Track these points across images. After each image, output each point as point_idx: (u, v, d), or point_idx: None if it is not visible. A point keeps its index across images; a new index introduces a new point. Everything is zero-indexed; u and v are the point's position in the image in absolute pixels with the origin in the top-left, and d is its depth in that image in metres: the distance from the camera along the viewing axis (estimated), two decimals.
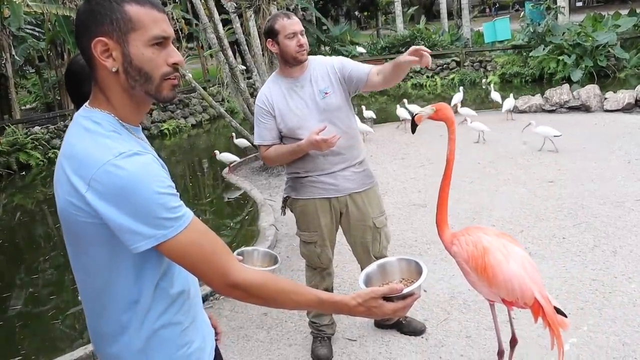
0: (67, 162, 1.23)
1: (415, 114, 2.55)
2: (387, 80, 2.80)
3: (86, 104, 1.32)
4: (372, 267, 1.57)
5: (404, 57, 2.55)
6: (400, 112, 9.16)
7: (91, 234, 1.23)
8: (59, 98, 16.42)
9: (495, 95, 9.78)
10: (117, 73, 1.25)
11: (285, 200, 3.13)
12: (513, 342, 2.65)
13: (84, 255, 1.28)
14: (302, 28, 2.87)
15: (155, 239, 1.19)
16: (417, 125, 2.56)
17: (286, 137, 2.92)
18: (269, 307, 1.39)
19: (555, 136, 7.02)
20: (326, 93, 2.87)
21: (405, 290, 1.36)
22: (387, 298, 1.36)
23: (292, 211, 3.13)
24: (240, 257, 1.92)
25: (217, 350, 1.55)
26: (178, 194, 1.26)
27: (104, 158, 1.18)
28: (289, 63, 2.86)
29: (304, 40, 2.83)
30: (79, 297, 1.43)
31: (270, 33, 2.85)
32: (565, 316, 2.33)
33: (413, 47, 2.54)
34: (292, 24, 2.82)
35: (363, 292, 1.38)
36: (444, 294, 3.77)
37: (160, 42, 1.26)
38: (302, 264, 4.45)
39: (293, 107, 2.87)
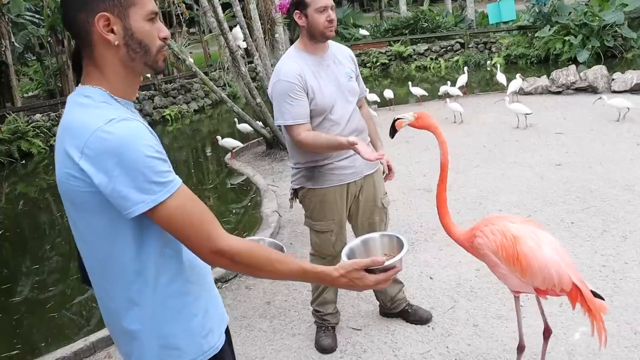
0: (62, 136, 1.28)
1: (396, 119, 2.46)
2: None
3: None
4: (355, 242, 1.61)
5: (376, 154, 2.64)
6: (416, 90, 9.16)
7: (89, 203, 1.26)
8: (61, 85, 16.33)
9: (501, 77, 9.63)
10: (118, 47, 1.30)
11: (295, 192, 3.01)
12: (547, 332, 2.55)
13: (84, 227, 1.31)
14: (333, 3, 2.75)
15: (145, 203, 1.22)
16: (396, 131, 2.47)
17: (314, 115, 2.75)
18: (253, 276, 1.43)
19: (526, 114, 7.28)
20: (350, 77, 2.85)
21: (387, 263, 1.40)
22: (369, 270, 1.41)
23: (301, 202, 3.02)
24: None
25: (227, 331, 1.55)
26: (167, 160, 1.28)
27: (95, 125, 1.22)
28: (315, 38, 2.75)
29: (334, 15, 2.72)
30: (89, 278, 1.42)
31: (299, 4, 2.71)
32: (603, 299, 2.24)
33: (385, 162, 2.96)
34: None
35: (346, 263, 1.43)
36: (450, 281, 3.70)
37: (153, 17, 1.33)
38: (306, 251, 4.38)
39: (324, 85, 2.76)
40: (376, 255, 1.50)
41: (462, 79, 9.93)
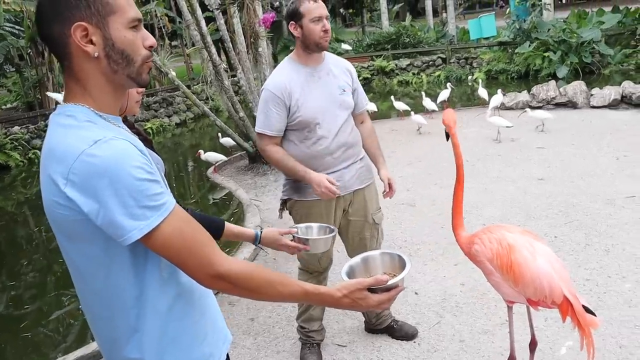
0: (47, 162, 1.19)
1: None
2: (361, 138, 2.97)
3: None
4: (355, 260, 1.56)
5: (382, 173, 2.94)
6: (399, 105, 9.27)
7: (81, 232, 1.19)
8: (40, 97, 16.10)
9: (483, 92, 9.73)
10: (98, 58, 1.21)
11: (284, 203, 2.98)
12: (533, 345, 2.55)
13: (78, 256, 1.24)
14: (327, 13, 2.75)
15: (139, 230, 1.14)
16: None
17: (298, 128, 2.75)
18: (253, 299, 1.37)
19: (507, 127, 7.47)
20: (344, 90, 2.81)
21: (390, 282, 1.36)
22: (371, 290, 1.36)
23: (290, 214, 2.99)
24: (295, 231, 1.98)
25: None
26: (160, 180, 1.20)
27: (79, 149, 1.13)
28: (310, 49, 2.73)
29: (329, 25, 2.71)
30: (82, 307, 1.35)
31: (294, 16, 2.70)
32: (595, 315, 2.23)
33: (385, 178, 2.93)
34: (318, 7, 2.68)
35: (348, 283, 1.37)
36: (435, 297, 3.68)
37: (136, 25, 1.24)
38: (290, 266, 4.34)
39: (312, 96, 2.73)
40: (376, 274, 1.46)
41: (444, 94, 10.00)
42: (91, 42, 1.19)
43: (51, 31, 1.20)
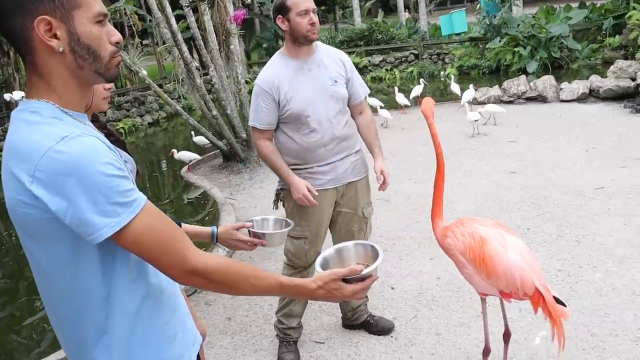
0: (10, 159, 1.15)
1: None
2: (359, 129, 2.99)
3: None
4: (329, 251, 1.56)
5: (377, 165, 2.92)
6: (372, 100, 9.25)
7: (46, 231, 1.14)
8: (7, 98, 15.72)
9: (455, 87, 9.82)
10: (63, 53, 1.17)
11: (278, 193, 3.00)
12: (507, 336, 2.60)
13: (43, 256, 1.19)
14: (315, 6, 2.74)
15: (109, 227, 1.11)
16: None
17: (290, 121, 2.77)
18: (229, 295, 1.34)
19: (475, 120, 7.66)
20: (335, 81, 2.80)
21: (365, 271, 1.37)
22: (345, 280, 1.37)
23: (283, 205, 2.99)
24: (251, 225, 1.91)
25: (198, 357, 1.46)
26: (129, 176, 1.17)
27: (46, 145, 1.09)
28: (299, 42, 2.74)
29: (316, 18, 2.70)
30: (45, 309, 1.31)
31: (280, 10, 2.72)
32: (565, 306, 2.27)
33: (382, 177, 2.92)
34: (304, 0, 2.69)
35: (323, 274, 1.37)
36: (411, 291, 3.70)
37: (101, 20, 1.20)
38: (266, 264, 4.32)
39: (301, 89, 2.74)
40: (350, 265, 1.46)
41: (417, 90, 10.07)
42: (55, 36, 1.16)
43: (12, 25, 1.15)
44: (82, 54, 1.19)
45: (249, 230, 1.91)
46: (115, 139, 1.81)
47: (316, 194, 2.78)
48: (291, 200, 2.87)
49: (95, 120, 1.88)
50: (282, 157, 2.85)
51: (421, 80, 10.76)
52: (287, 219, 1.98)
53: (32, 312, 4.62)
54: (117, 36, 1.23)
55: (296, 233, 2.90)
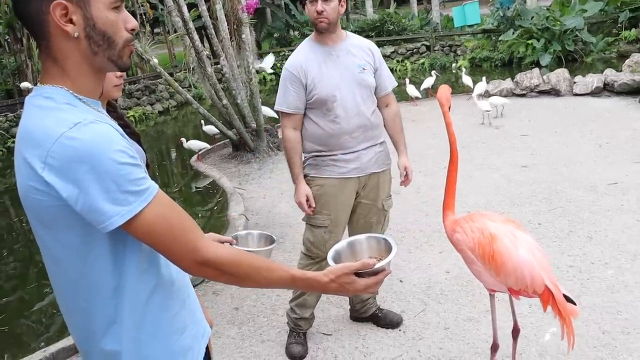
0: (22, 145, 1.14)
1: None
2: (384, 122, 2.98)
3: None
4: (341, 244, 1.54)
5: (401, 161, 3.00)
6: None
7: (58, 219, 1.13)
8: (19, 85, 15.80)
9: (467, 79, 9.73)
10: (78, 39, 1.16)
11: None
12: (515, 332, 2.57)
13: (54, 243, 1.18)
14: None
15: (120, 216, 1.10)
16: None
17: (316, 107, 2.79)
18: (240, 286, 1.38)
19: (486, 111, 7.74)
20: (363, 69, 2.81)
21: (377, 265, 1.35)
22: (358, 274, 1.34)
23: None
24: (235, 242, 1.83)
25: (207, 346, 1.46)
26: (141, 164, 1.15)
27: (58, 131, 1.08)
28: (316, 29, 2.77)
29: (323, 7, 2.68)
30: (55, 296, 1.30)
31: None
32: (575, 304, 2.24)
33: (402, 166, 2.99)
34: None
35: (335, 268, 1.35)
36: (420, 284, 3.68)
37: (118, 6, 1.19)
38: (277, 255, 4.31)
39: (328, 75, 2.76)
40: (363, 258, 1.44)
41: (429, 82, 9.99)
42: (71, 21, 1.14)
43: (29, 8, 1.14)
44: (97, 40, 1.17)
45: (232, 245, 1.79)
46: (131, 132, 1.79)
47: (313, 205, 2.84)
48: (312, 186, 2.89)
49: (113, 110, 1.87)
50: (307, 144, 2.87)
51: (433, 72, 10.67)
52: (272, 235, 1.91)
53: (41, 297, 4.64)
54: (133, 22, 1.22)
55: (317, 222, 2.90)
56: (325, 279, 1.32)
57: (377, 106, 2.93)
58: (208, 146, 8.21)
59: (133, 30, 1.22)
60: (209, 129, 8.38)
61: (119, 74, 1.94)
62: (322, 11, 2.67)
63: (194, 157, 8.05)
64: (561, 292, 2.22)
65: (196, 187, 7.32)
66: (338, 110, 2.76)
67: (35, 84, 1.23)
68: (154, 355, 1.27)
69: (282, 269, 1.30)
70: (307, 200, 2.84)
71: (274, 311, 3.57)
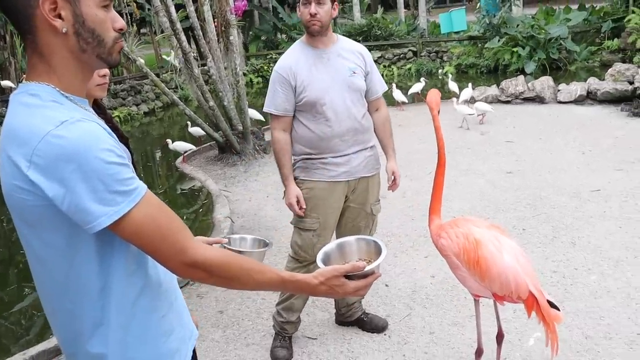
0: (7, 143, 1.12)
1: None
2: (374, 126, 2.97)
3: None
4: (330, 246, 1.53)
5: (389, 165, 3.00)
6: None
7: (43, 219, 1.11)
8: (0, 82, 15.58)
9: (453, 85, 9.79)
10: (66, 35, 1.14)
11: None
12: (499, 337, 2.59)
13: (39, 244, 1.16)
14: None
15: (108, 216, 1.08)
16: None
17: (306, 109, 2.78)
18: (228, 288, 1.37)
19: (469, 114, 7.91)
20: (354, 72, 2.80)
21: (368, 268, 1.34)
22: (347, 276, 1.33)
23: None
24: (226, 242, 1.79)
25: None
26: (129, 164, 1.13)
27: (45, 129, 1.06)
28: (308, 31, 2.76)
29: (316, 9, 2.67)
30: (39, 297, 1.27)
31: None
32: (559, 309, 2.25)
33: (390, 170, 2.99)
34: None
35: (325, 270, 1.34)
36: (405, 289, 3.68)
37: (107, 4, 1.18)
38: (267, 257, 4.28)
39: (318, 78, 2.75)
40: (352, 260, 1.44)
41: (417, 87, 10.03)
42: (59, 16, 1.13)
43: (15, 2, 1.12)
44: (85, 37, 1.16)
45: (224, 246, 1.75)
46: (120, 135, 1.76)
47: (304, 206, 2.83)
48: (303, 189, 2.87)
49: (101, 112, 1.84)
50: (297, 146, 2.86)
51: (422, 78, 10.71)
52: (265, 239, 1.88)
53: (21, 298, 4.57)
54: (121, 22, 1.21)
55: (305, 225, 2.88)
56: (314, 281, 1.31)
57: (368, 110, 2.93)
58: (194, 148, 8.16)
59: (121, 30, 1.21)
60: (195, 130, 8.33)
61: (102, 72, 1.92)
62: (315, 14, 2.67)
63: (180, 159, 7.99)
64: (545, 298, 2.24)
65: (181, 189, 7.27)
66: (328, 114, 2.75)
67: (19, 82, 1.20)
68: (140, 358, 1.25)
69: (271, 271, 1.29)
70: (298, 202, 2.83)
71: (258, 314, 3.55)
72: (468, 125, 7.91)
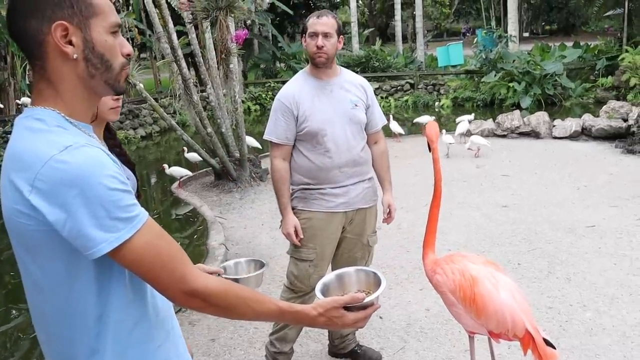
0: (9, 167, 1.12)
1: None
2: (372, 158, 2.97)
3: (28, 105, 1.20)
4: (329, 277, 1.51)
5: (385, 198, 3.01)
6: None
7: (43, 244, 1.10)
8: (2, 104, 15.63)
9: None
10: (76, 61, 1.15)
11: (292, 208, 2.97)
12: None
13: (38, 270, 1.14)
14: (329, 30, 2.74)
15: (108, 243, 1.07)
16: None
17: (307, 139, 2.79)
18: (226, 318, 1.36)
19: (450, 143, 8.27)
20: (356, 105, 2.83)
21: (367, 300, 1.33)
22: (346, 308, 1.32)
23: None
24: (223, 272, 1.76)
25: None
26: (131, 190, 1.13)
27: (48, 154, 1.06)
28: (313, 63, 2.79)
29: (323, 42, 2.71)
30: (33, 322, 1.25)
31: (303, 30, 2.84)
32: (554, 348, 2.23)
33: (386, 203, 3.00)
34: (315, 23, 2.73)
35: (324, 301, 1.32)
36: (400, 321, 3.65)
37: (116, 31, 1.20)
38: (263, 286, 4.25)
39: (321, 108, 2.76)
40: (351, 291, 1.42)
41: (424, 119, 10.09)
42: (70, 42, 1.14)
43: (26, 27, 1.13)
44: (94, 63, 1.17)
45: (220, 276, 1.71)
46: (127, 160, 1.76)
47: (302, 236, 2.82)
48: (301, 219, 2.86)
49: (111, 137, 1.84)
50: (295, 176, 2.86)
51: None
52: (261, 260, 1.87)
53: (7, 321, 4.50)
54: (128, 47, 1.22)
55: (302, 255, 2.87)
56: (313, 312, 1.30)
57: (371, 141, 2.96)
58: (190, 173, 8.16)
59: (128, 55, 1.22)
60: (192, 156, 8.34)
61: (115, 96, 1.93)
62: (322, 46, 2.70)
63: (175, 184, 7.99)
64: (541, 336, 2.22)
65: (176, 214, 7.24)
66: (329, 145, 2.76)
67: (17, 103, 1.20)
68: None
69: (270, 301, 1.27)
70: (295, 232, 2.82)
71: (251, 344, 3.51)
72: (448, 153, 8.14)
